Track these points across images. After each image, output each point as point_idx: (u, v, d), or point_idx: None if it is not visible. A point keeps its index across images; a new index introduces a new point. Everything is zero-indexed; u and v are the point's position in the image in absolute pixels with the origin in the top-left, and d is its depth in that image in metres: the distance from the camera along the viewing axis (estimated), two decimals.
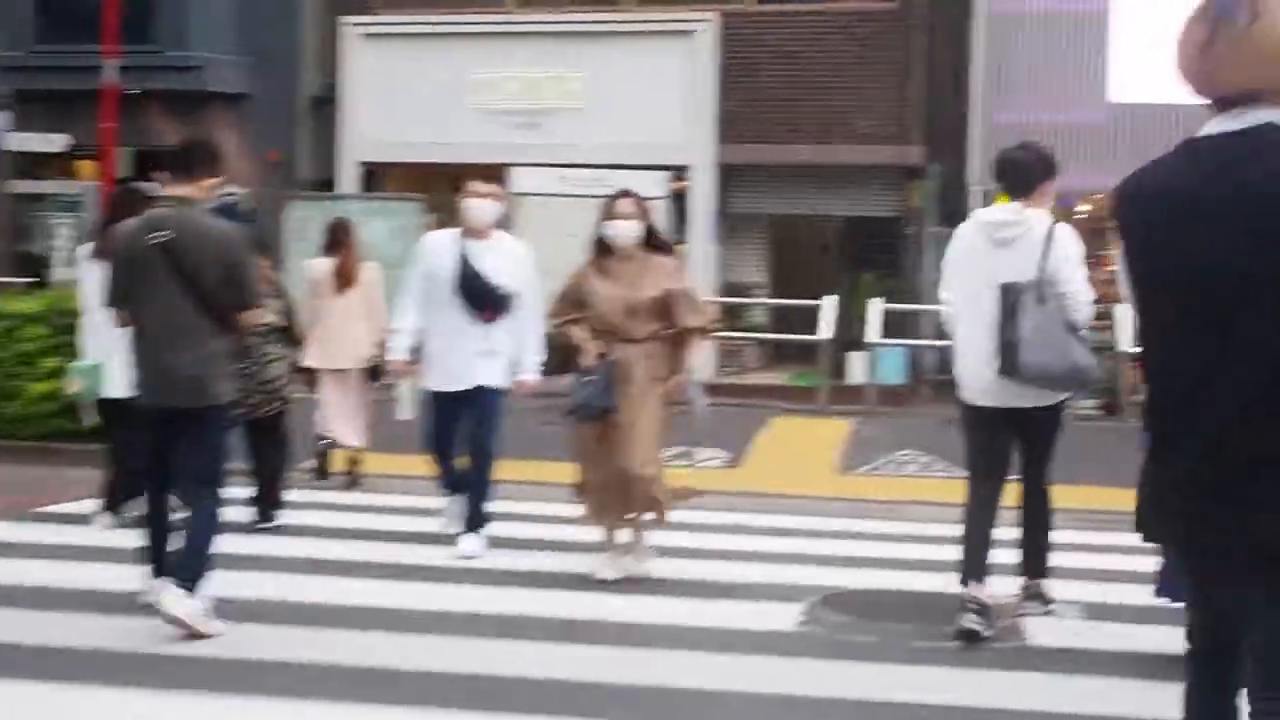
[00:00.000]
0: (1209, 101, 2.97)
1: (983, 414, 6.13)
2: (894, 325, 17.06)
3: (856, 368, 17.18)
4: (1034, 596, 6.57)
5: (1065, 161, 16.44)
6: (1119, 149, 17.08)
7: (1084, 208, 19.10)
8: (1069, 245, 5.97)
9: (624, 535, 7.40)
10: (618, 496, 7.21)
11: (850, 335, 17.08)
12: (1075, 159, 17.51)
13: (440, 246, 7.86)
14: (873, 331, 16.01)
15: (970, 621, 6.08)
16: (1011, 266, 5.89)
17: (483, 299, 7.67)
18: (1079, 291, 5.94)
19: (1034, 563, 6.48)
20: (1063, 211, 19.32)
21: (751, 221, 19.78)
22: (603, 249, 7.27)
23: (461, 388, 7.69)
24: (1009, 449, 6.23)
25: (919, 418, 15.08)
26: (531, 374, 7.78)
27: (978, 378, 6.04)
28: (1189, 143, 3.00)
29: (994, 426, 6.13)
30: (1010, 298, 5.81)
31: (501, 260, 7.79)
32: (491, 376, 7.71)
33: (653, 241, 7.31)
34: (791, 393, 16.90)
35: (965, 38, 18.45)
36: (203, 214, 6.08)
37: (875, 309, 15.64)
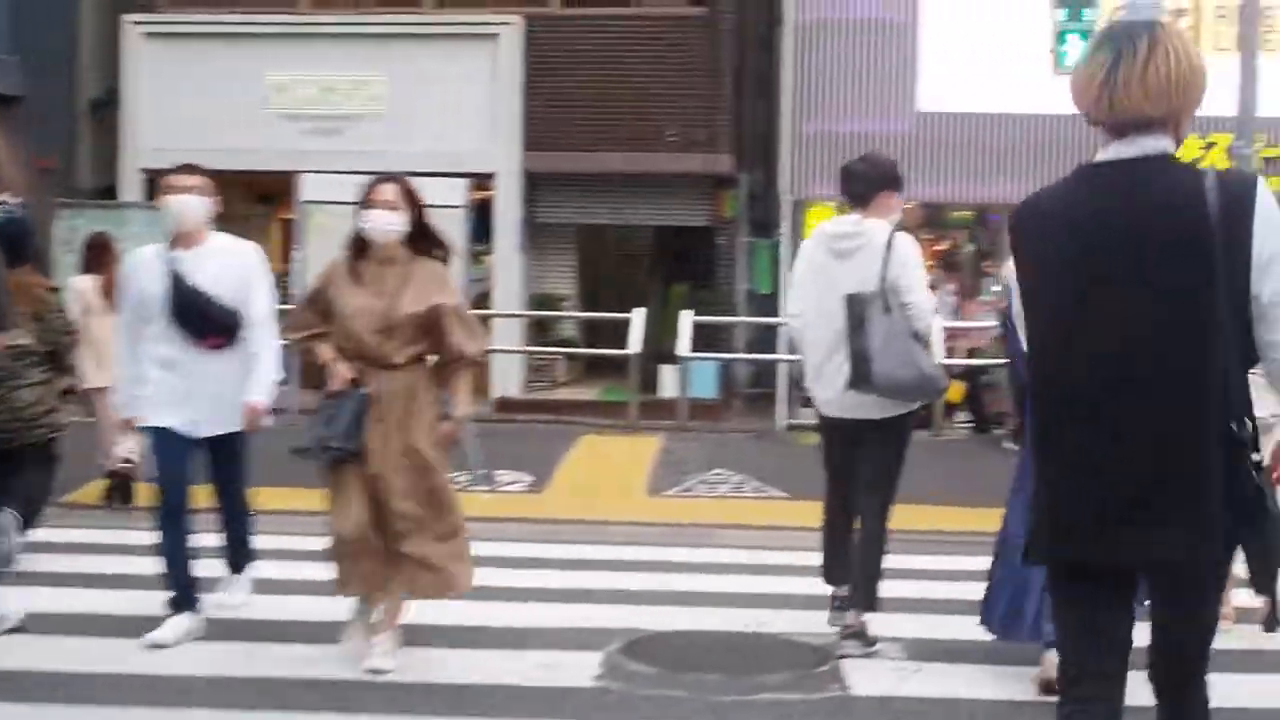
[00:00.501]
0: (1106, 126, 3.13)
1: (835, 425, 6.18)
2: (707, 338, 16.61)
3: (668, 382, 16.66)
4: (854, 636, 6.14)
5: None
6: (928, 158, 16.89)
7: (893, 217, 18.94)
8: (909, 254, 5.94)
9: (376, 614, 5.96)
10: (371, 565, 5.81)
11: (662, 348, 16.58)
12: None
13: (145, 263, 6.28)
14: (684, 344, 15.45)
15: (849, 650, 6.09)
16: (854, 277, 5.88)
17: (202, 321, 6.17)
18: (921, 300, 5.91)
19: (860, 595, 6.15)
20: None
21: (560, 231, 19.12)
22: (359, 247, 5.91)
23: (189, 433, 6.23)
24: (858, 458, 6.19)
25: (732, 434, 14.64)
26: (261, 397, 6.26)
27: (828, 389, 6.05)
28: (1085, 168, 3.18)
29: (846, 437, 6.14)
30: (857, 309, 5.82)
31: (221, 269, 6.26)
32: (224, 422, 6.28)
33: (423, 243, 5.94)
34: (602, 408, 16.30)
35: (775, 45, 18.08)
36: None
37: (686, 321, 15.05)
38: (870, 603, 6.13)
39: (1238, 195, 3.00)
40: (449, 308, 5.82)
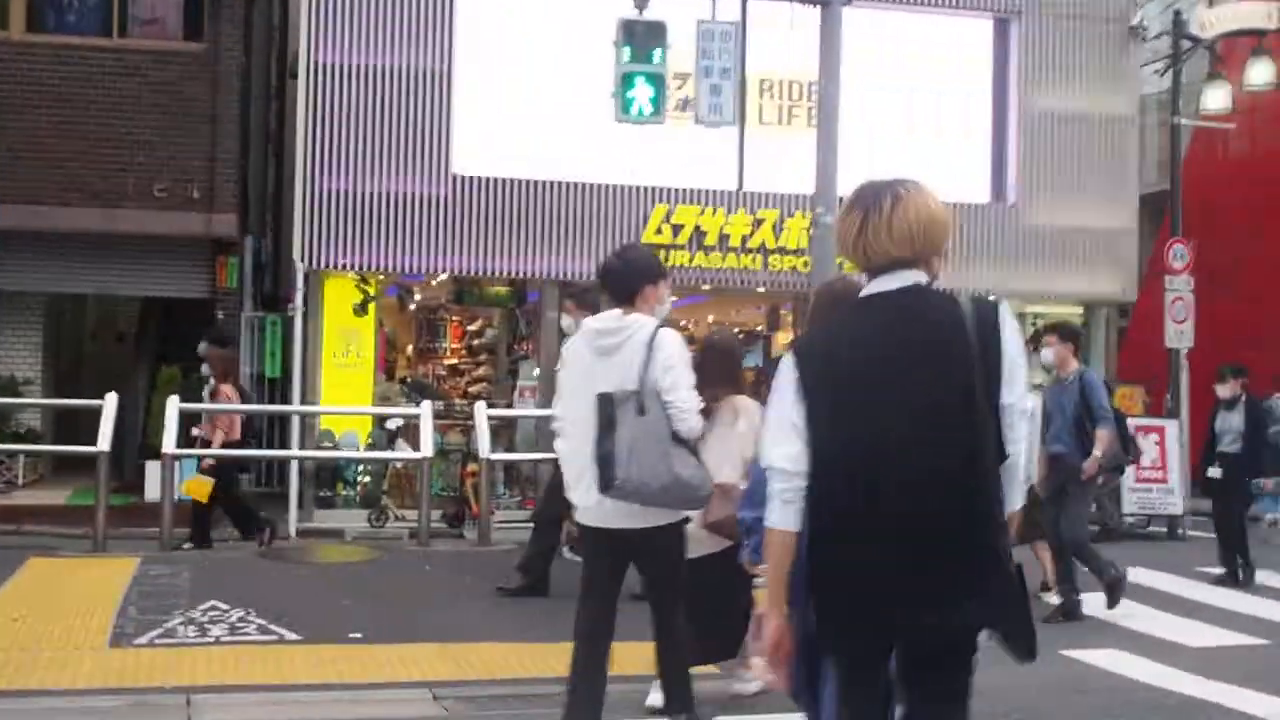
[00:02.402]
0: (868, 271, 3.63)
1: (594, 534, 5.79)
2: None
3: (154, 483, 13.61)
4: None
5: (404, 236, 13.69)
6: (462, 225, 14.81)
7: (419, 296, 16.72)
8: (672, 351, 5.63)
9: None
10: None
11: (154, 442, 13.55)
12: (415, 233, 15.16)
13: None
14: (170, 437, 12.42)
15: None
16: (614, 375, 5.60)
17: None
18: (685, 399, 5.58)
19: (679, 699, 5.92)
20: (398, 298, 17.06)
21: (24, 301, 15.71)
22: None
23: None
24: (620, 575, 5.84)
25: (232, 548, 11.81)
26: None
27: (584, 496, 5.67)
28: (864, 300, 3.64)
29: (604, 549, 5.77)
30: (607, 409, 5.51)
31: None
32: None
33: None
34: (73, 516, 13.11)
35: (287, 91, 15.52)
36: None
37: (173, 409, 12.06)
38: (689, 705, 5.91)
39: (986, 315, 3.51)
40: None
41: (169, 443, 11.57)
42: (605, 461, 5.43)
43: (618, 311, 5.79)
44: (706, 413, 5.89)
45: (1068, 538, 9.48)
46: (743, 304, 19.55)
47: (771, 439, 3.58)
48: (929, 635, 3.46)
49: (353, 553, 11.69)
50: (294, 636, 8.03)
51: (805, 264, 15.48)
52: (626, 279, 5.87)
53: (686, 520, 5.81)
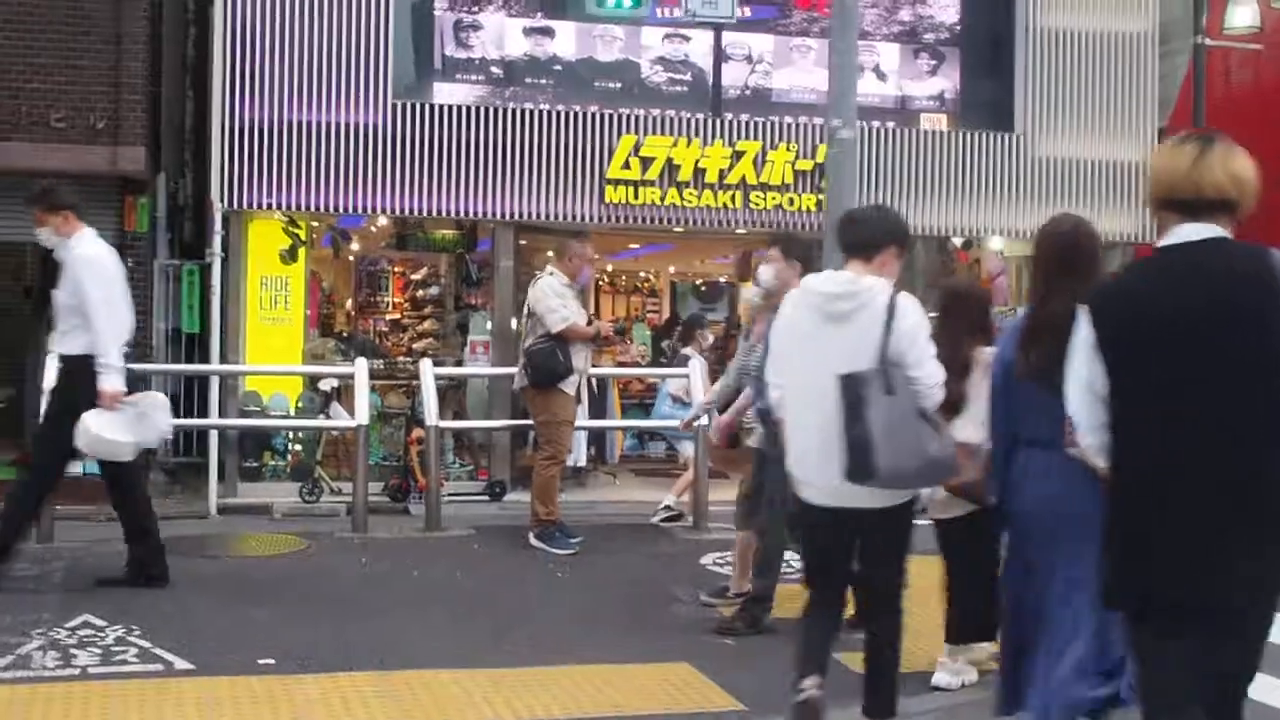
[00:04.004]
0: (1183, 208, 3.55)
1: (820, 514, 5.24)
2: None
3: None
4: None
5: (337, 171, 11.62)
6: (403, 156, 12.87)
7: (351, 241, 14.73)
8: (916, 320, 5.09)
9: None
10: None
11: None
12: (349, 169, 13.21)
13: None
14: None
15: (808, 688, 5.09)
16: (847, 344, 5.03)
17: None
18: (931, 374, 5.09)
19: (878, 700, 5.29)
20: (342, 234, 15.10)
21: None
22: None
23: None
24: (851, 553, 5.32)
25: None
26: None
27: (817, 475, 5.14)
28: (1164, 251, 3.58)
29: (834, 528, 5.25)
30: (852, 390, 4.93)
31: None
32: None
33: None
34: None
35: (209, 18, 13.41)
36: None
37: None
38: (892, 709, 5.30)
39: None
40: None
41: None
42: (860, 448, 4.89)
43: (849, 273, 5.23)
44: (962, 369, 5.60)
45: None
46: (711, 251, 17.72)
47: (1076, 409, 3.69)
48: (1243, 596, 3.44)
49: (274, 543, 9.60)
50: (185, 665, 6.14)
51: (790, 201, 13.74)
52: (873, 234, 5.31)
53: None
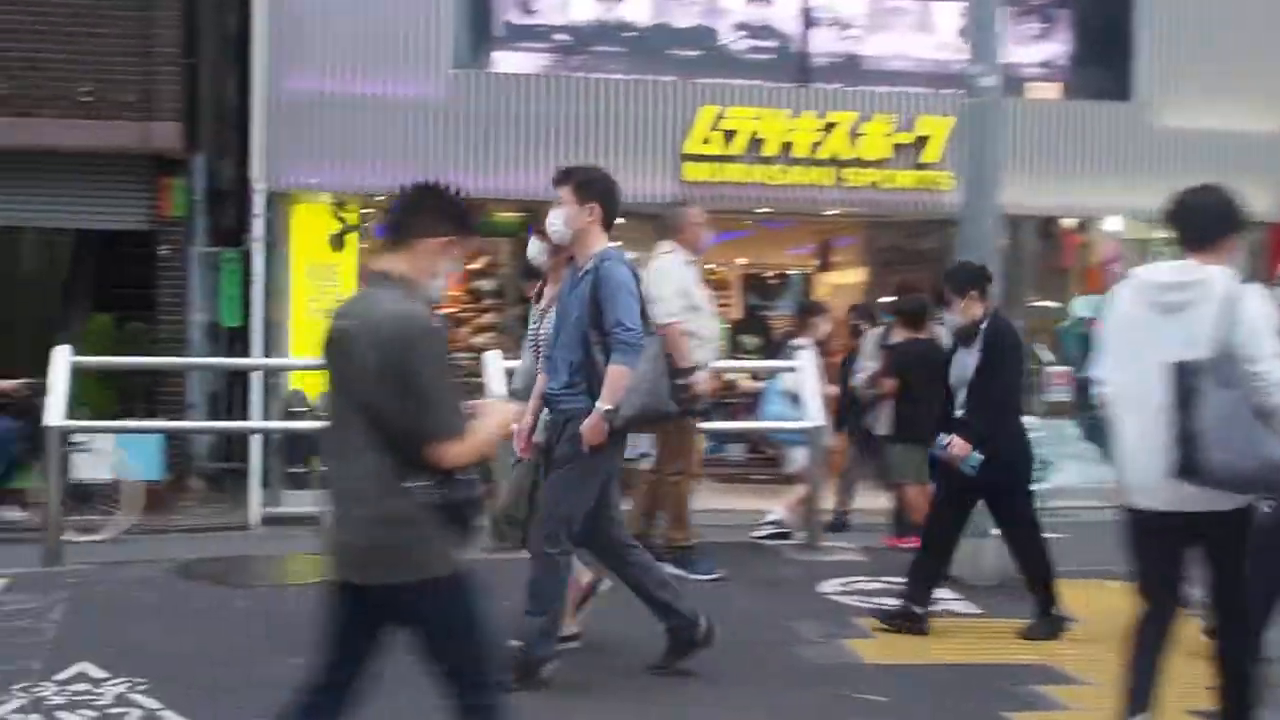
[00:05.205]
0: None
1: (1150, 519, 4.72)
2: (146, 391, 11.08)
3: (84, 459, 10.25)
4: None
5: (390, 149, 10.24)
6: (462, 131, 11.61)
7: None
8: (1260, 311, 4.56)
9: None
10: None
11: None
12: (403, 146, 11.90)
13: None
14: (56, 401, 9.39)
15: None
16: (1180, 336, 4.55)
17: None
18: (1273, 370, 4.48)
19: None
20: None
21: None
22: None
23: None
24: (1182, 562, 4.80)
25: (183, 538, 8.42)
26: None
27: (1144, 475, 4.68)
28: None
29: (1165, 534, 4.73)
30: (1185, 379, 4.50)
31: None
32: None
33: None
34: None
35: None
36: None
37: (60, 361, 8.52)
38: None
39: None
40: None
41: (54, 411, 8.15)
42: (1188, 442, 4.46)
43: (1188, 260, 4.70)
44: None
45: None
46: (788, 240, 16.24)
47: None
48: None
49: (320, 568, 7.87)
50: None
51: (888, 178, 12.29)
52: (1207, 222, 4.73)
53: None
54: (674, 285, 7.13)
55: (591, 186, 5.44)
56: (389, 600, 3.55)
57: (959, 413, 6.53)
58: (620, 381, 5.23)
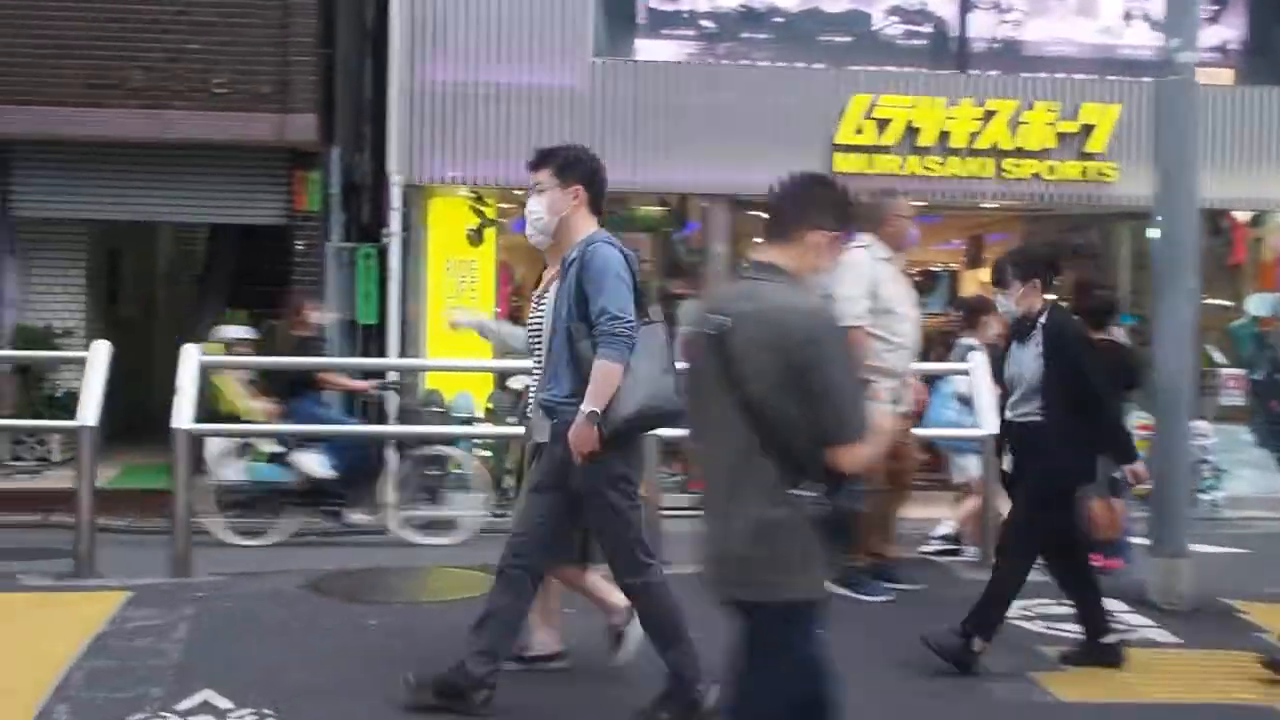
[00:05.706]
0: None
1: None
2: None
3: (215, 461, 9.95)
4: None
5: (530, 140, 9.80)
6: (604, 122, 11.12)
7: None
8: None
9: None
10: None
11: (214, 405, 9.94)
12: (543, 137, 11.44)
13: None
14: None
15: None
16: None
17: None
18: None
19: None
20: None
21: (61, 230, 12.18)
22: None
23: None
24: None
25: (277, 571, 7.96)
26: None
27: None
28: None
29: None
30: None
31: None
32: None
33: None
34: (117, 501, 9.58)
35: None
36: None
37: (189, 362, 8.01)
38: None
39: None
40: None
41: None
42: None
43: None
44: None
45: None
46: (936, 235, 15.44)
47: None
48: None
49: (468, 583, 6.95)
50: None
51: (1050, 169, 11.54)
52: None
53: None
54: (863, 283, 6.44)
55: (575, 167, 4.90)
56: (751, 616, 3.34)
57: (1009, 414, 5.83)
58: (609, 379, 4.50)
